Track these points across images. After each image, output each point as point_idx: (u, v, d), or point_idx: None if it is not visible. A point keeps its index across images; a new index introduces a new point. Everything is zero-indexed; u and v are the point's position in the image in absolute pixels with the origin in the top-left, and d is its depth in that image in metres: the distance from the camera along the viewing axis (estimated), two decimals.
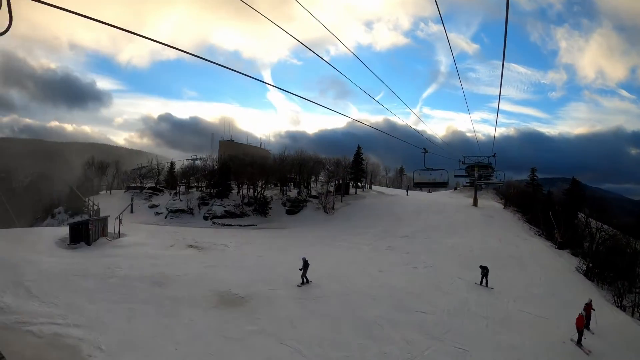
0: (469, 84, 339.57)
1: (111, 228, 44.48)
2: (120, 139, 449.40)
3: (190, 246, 43.05)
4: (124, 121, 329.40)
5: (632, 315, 33.90)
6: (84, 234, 40.29)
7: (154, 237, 46.57)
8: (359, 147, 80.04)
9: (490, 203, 74.98)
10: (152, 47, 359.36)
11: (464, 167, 70.43)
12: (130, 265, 32.76)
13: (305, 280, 29.94)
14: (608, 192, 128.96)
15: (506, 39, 10.28)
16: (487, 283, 32.84)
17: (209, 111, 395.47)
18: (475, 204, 72.06)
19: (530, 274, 38.03)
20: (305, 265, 30.08)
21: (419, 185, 39.54)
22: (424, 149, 27.90)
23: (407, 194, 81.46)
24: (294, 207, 70.52)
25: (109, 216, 46.22)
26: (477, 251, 44.84)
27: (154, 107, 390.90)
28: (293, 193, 74.50)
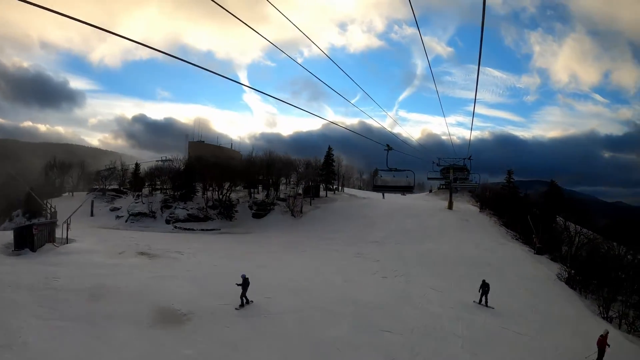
0: (444, 87, 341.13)
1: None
2: (94, 140, 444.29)
3: (142, 253, 38.93)
4: (97, 122, 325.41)
5: (620, 327, 31.37)
6: (28, 239, 36.66)
7: (104, 243, 42.75)
8: (329, 148, 77.32)
9: (465, 206, 72.53)
10: (124, 46, 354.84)
11: (439, 169, 68.51)
12: (70, 275, 28.97)
13: (245, 301, 25.38)
14: (582, 194, 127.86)
15: (482, 43, 9.89)
16: (487, 302, 29.10)
17: (184, 112, 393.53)
18: (450, 207, 69.59)
19: (509, 283, 35.10)
20: (245, 283, 25.35)
21: (379, 190, 35.14)
22: (387, 145, 24.17)
23: (383, 197, 78.05)
24: (261, 211, 66.95)
25: (56, 220, 42.58)
26: (452, 258, 42.27)
27: (127, 107, 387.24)
28: (261, 196, 71.08)
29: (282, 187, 74.92)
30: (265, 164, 73.40)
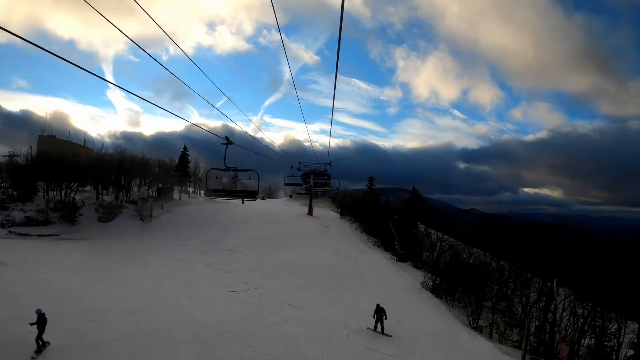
0: (310, 94, 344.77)
1: None
2: None
3: None
4: None
5: (491, 337, 30.49)
6: None
7: None
8: (185, 148, 72.41)
9: (326, 212, 70.17)
10: None
11: (299, 174, 66.26)
12: None
13: (41, 344, 18.34)
14: (439, 202, 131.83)
15: (339, 54, 9.82)
16: (383, 329, 25.01)
17: (42, 105, 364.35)
18: (310, 213, 67.16)
19: (373, 294, 32.27)
20: (42, 321, 18.42)
21: (214, 194, 28.29)
22: (227, 138, 19.94)
23: (242, 202, 73.69)
24: (108, 214, 59.79)
25: None
26: (312, 267, 39.12)
27: None
28: (111, 197, 64.24)
29: (135, 189, 68.16)
30: (116, 163, 66.07)
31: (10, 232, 52.74)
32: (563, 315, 31.66)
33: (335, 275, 37.06)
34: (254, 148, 27.90)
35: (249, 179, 24.98)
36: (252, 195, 25.32)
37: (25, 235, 52.05)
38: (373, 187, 75.23)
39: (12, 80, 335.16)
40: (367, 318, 25.99)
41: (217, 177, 30.75)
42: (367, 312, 26.99)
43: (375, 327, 25.02)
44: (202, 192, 70.98)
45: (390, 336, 24.44)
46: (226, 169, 21.73)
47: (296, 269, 38.40)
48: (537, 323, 32.31)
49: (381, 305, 25.27)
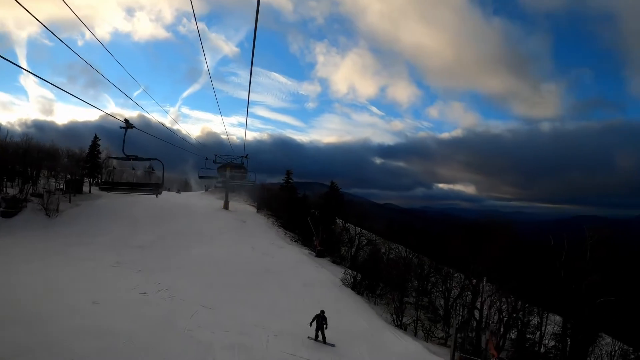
0: (229, 87, 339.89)
1: None
2: None
3: None
4: None
5: (415, 334, 30.62)
6: None
7: None
8: (95, 137, 68.69)
9: (242, 206, 68.80)
10: None
11: (215, 167, 64.33)
12: None
13: None
14: (356, 196, 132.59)
15: (254, 46, 9.44)
16: (324, 338, 23.16)
17: None
18: (226, 207, 65.38)
19: (293, 293, 31.43)
20: None
21: (109, 188, 24.74)
22: (126, 121, 17.45)
23: (157, 196, 70.14)
24: (11, 209, 55.56)
25: None
26: (228, 264, 37.59)
27: None
28: (15, 191, 59.61)
29: (43, 182, 63.51)
30: (22, 152, 61.01)
31: None
32: (491, 312, 31.87)
33: (251, 273, 35.74)
34: (170, 139, 25.53)
35: (152, 169, 22.15)
36: (154, 188, 21.73)
37: None
38: (290, 180, 74.08)
39: None
40: (286, 319, 24.96)
41: (115, 168, 27.72)
42: (285, 312, 25.97)
43: (317, 336, 23.27)
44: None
45: (333, 345, 22.97)
46: (125, 158, 19.10)
47: (210, 266, 36.65)
48: (462, 319, 32.31)
49: (324, 313, 23.39)
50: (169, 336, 21.11)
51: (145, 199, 58.39)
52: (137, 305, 25.74)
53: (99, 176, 67.80)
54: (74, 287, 28.35)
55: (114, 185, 23.06)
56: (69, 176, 63.32)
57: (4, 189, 57.84)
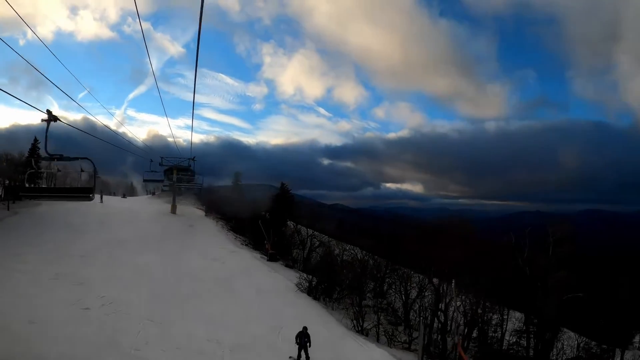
0: (176, 88, 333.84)
1: None
2: None
3: None
4: None
5: (378, 339, 29.76)
6: None
7: None
8: (35, 140, 65.60)
9: (190, 210, 66.67)
10: None
11: (162, 170, 62.33)
12: None
13: None
14: (305, 197, 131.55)
15: (199, 47, 9.75)
16: (307, 357, 21.68)
17: None
18: (173, 211, 63.00)
19: (245, 302, 30.03)
20: None
21: (30, 195, 22.49)
22: (48, 111, 15.50)
23: (101, 200, 67.10)
24: None
25: None
26: (176, 273, 35.68)
27: None
28: None
29: None
30: None
31: None
32: (455, 315, 31.62)
33: (201, 280, 34.12)
34: (115, 142, 23.20)
35: (81, 170, 19.39)
36: (85, 193, 18.27)
37: None
38: (239, 182, 72.57)
39: None
40: (241, 331, 23.65)
41: (37, 168, 24.73)
42: (240, 323, 24.66)
43: (299, 356, 21.78)
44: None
45: None
46: (48, 158, 16.86)
47: (157, 275, 34.77)
48: (425, 321, 31.67)
49: (307, 330, 22.07)
50: (111, 356, 19.38)
51: (89, 205, 55.28)
52: (78, 322, 23.51)
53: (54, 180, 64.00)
54: (5, 304, 25.67)
55: (35, 192, 19.97)
56: (7, 182, 59.94)
57: None
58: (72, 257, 39.04)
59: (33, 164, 21.22)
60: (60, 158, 16.79)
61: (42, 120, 15.52)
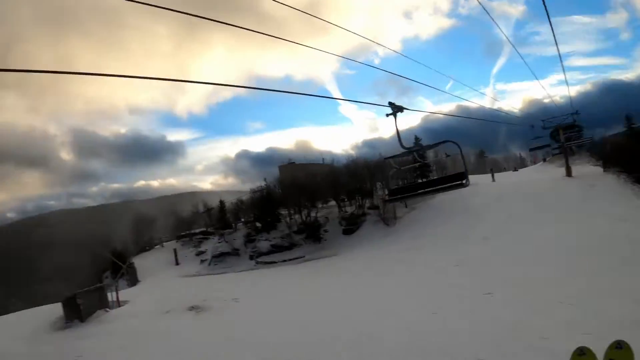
0: (535, 47, 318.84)
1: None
2: (205, 184, 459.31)
3: (191, 308, 30.81)
4: (204, 167, 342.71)
5: None
6: (74, 309, 31.47)
7: (158, 299, 36.43)
8: (416, 138, 68.08)
9: (587, 169, 59.95)
10: (203, 92, 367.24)
11: (547, 134, 58.61)
12: (93, 355, 22.42)
13: None
14: None
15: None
16: None
17: (284, 139, 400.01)
18: (568, 173, 58.14)
19: None
20: None
21: (395, 199, 21.28)
22: (391, 104, 13.54)
23: (493, 180, 66.62)
24: (351, 225, 58.39)
25: (104, 284, 38.87)
26: (580, 245, 29.73)
27: (227, 146, 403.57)
28: (353, 208, 62.22)
29: (381, 193, 64.31)
30: (367, 171, 63.67)
31: (257, 262, 55.25)
32: None
33: (610, 253, 26.26)
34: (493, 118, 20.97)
35: (445, 155, 17.19)
36: (456, 180, 15.77)
37: (270, 263, 54.66)
38: (632, 126, 63.38)
39: (248, 125, 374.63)
40: None
41: (398, 167, 23.29)
42: None
43: None
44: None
45: None
46: (407, 151, 15.60)
47: (563, 250, 29.61)
48: None
49: None
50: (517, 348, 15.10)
51: (480, 188, 54.14)
52: (479, 310, 20.61)
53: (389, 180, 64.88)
54: (406, 294, 26.54)
55: (401, 193, 18.77)
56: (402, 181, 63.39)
57: (343, 209, 60.91)
58: (472, 243, 38.81)
59: (392, 163, 20.09)
60: (419, 149, 15.53)
61: (387, 115, 14.36)
